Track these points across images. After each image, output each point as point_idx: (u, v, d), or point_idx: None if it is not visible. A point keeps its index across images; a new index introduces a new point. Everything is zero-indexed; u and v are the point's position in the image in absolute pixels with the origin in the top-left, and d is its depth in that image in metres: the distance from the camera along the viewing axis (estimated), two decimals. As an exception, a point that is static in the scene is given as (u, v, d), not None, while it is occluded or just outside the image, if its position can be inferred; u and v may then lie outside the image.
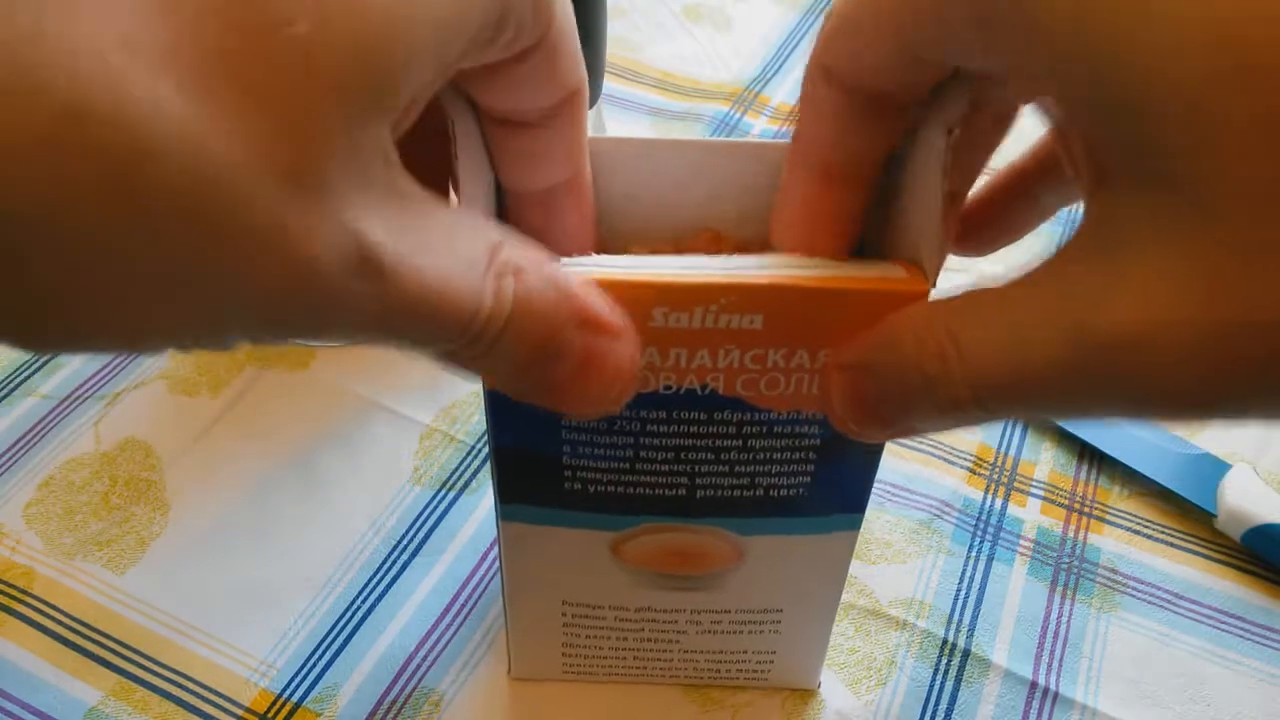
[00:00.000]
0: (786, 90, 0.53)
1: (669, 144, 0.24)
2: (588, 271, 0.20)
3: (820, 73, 0.19)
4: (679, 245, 0.26)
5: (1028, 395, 0.17)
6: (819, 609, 0.28)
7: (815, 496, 0.24)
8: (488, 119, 0.20)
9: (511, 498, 0.25)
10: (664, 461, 0.24)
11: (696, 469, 0.24)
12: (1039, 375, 0.16)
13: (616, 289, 0.20)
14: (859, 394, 0.20)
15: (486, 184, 0.21)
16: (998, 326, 0.17)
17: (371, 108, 0.15)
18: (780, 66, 0.55)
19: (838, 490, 0.24)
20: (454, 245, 0.17)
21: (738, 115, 0.51)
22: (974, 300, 0.18)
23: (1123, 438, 0.38)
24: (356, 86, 0.15)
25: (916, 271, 0.20)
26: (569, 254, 0.20)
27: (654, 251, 0.26)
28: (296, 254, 0.14)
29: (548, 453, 0.24)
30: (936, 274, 0.20)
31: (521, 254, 0.18)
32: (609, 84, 0.52)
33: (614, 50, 0.54)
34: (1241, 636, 0.33)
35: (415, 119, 0.18)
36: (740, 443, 0.23)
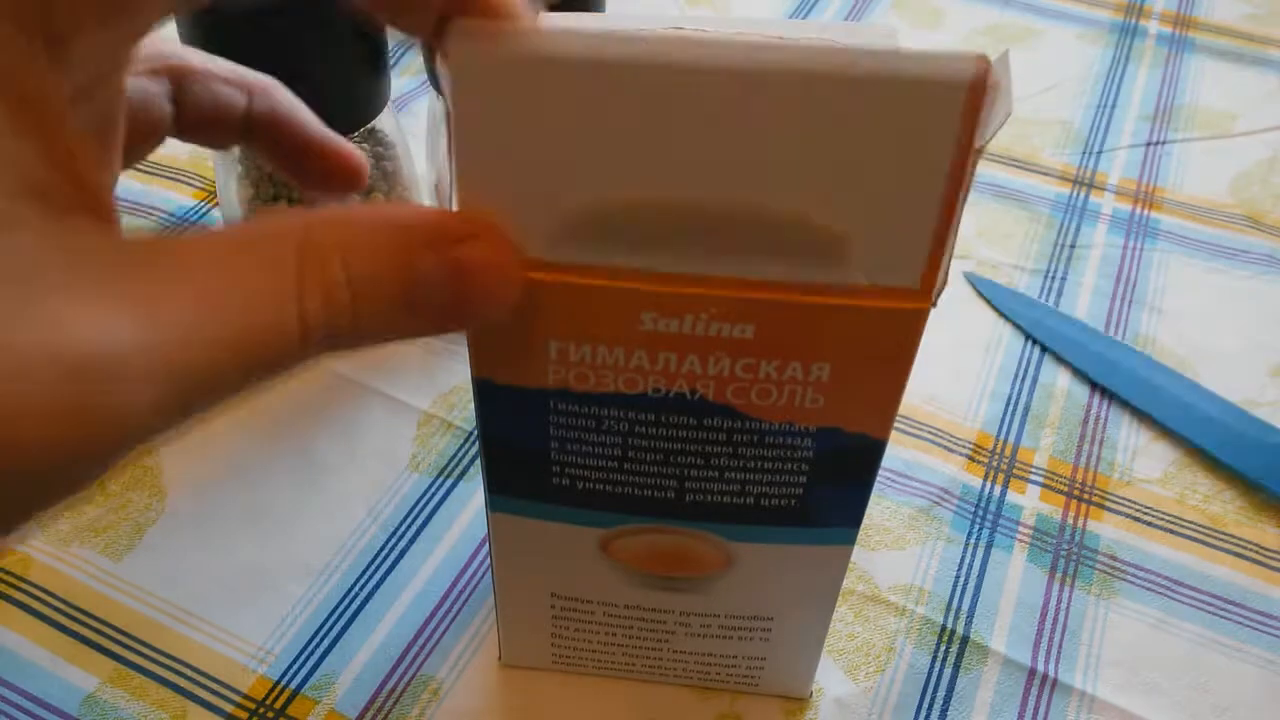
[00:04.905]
0: (786, 74, 0.53)
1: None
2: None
3: None
4: None
5: None
6: (810, 619, 0.27)
7: (807, 508, 0.24)
8: None
9: (500, 490, 0.25)
10: (652, 463, 0.23)
11: (685, 473, 0.23)
12: None
13: (603, 295, 0.19)
14: None
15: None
16: None
17: None
18: (780, 50, 0.54)
19: (831, 504, 0.24)
20: (236, 274, 0.15)
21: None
22: None
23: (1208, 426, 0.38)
24: None
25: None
26: None
27: None
28: None
29: (535, 447, 0.23)
30: (941, 288, 0.19)
31: (334, 226, 0.16)
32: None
33: (612, 34, 0.54)
34: (1240, 623, 0.33)
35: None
36: (730, 450, 0.23)
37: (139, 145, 0.22)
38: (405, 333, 0.18)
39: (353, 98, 0.36)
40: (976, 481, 0.37)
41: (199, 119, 0.22)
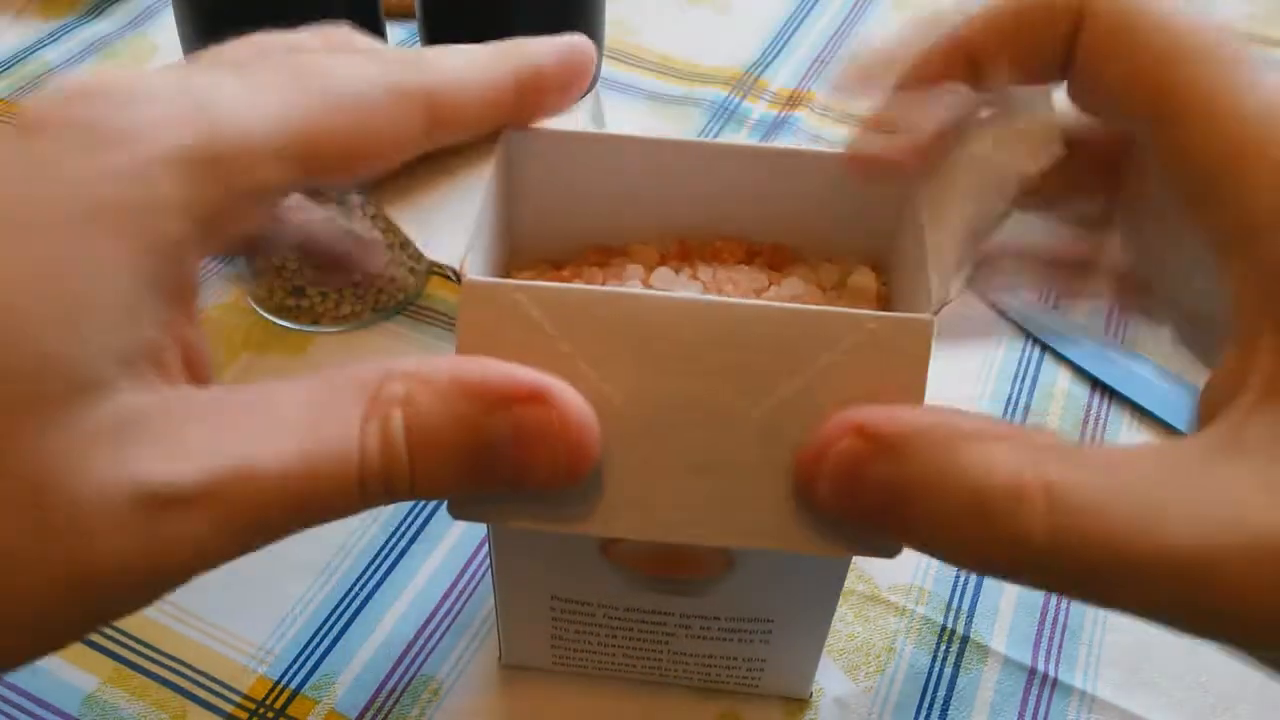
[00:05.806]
0: (786, 75, 0.53)
1: (671, 144, 0.23)
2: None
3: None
4: (686, 244, 0.26)
5: (1126, 567, 0.15)
6: (810, 622, 0.27)
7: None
8: None
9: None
10: None
11: None
12: (1164, 552, 0.15)
13: None
14: (877, 483, 0.18)
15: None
16: (1122, 491, 0.16)
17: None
18: (780, 51, 0.54)
19: None
20: (305, 418, 0.16)
21: (737, 100, 0.51)
22: (1081, 456, 0.17)
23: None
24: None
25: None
26: None
27: (661, 253, 0.26)
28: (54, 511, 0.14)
29: None
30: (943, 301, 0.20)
31: (408, 379, 0.17)
32: (607, 68, 0.52)
33: (612, 34, 0.54)
34: (1240, 623, 0.33)
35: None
36: None
37: None
38: (471, 490, 0.18)
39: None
40: (976, 481, 0.37)
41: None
